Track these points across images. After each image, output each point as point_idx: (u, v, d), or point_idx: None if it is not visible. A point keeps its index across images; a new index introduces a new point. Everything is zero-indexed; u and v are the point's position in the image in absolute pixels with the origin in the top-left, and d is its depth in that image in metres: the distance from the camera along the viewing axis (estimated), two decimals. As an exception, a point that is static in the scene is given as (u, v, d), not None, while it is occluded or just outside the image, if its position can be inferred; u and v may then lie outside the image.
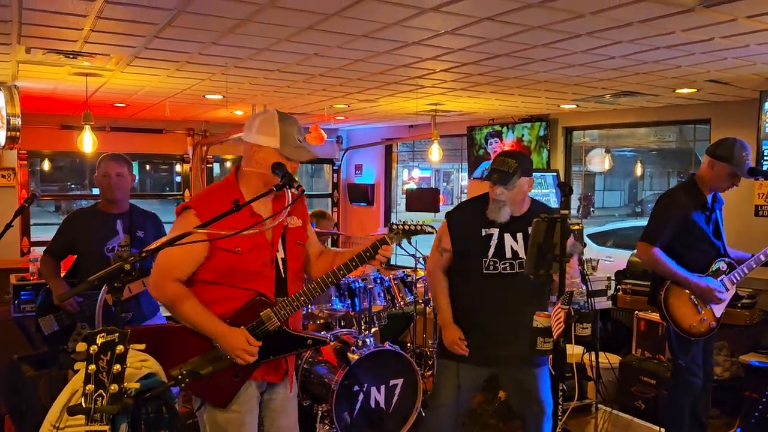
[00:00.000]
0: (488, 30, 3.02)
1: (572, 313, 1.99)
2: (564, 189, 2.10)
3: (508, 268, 2.83)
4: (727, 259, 3.43)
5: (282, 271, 2.32)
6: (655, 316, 4.76)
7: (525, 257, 2.78)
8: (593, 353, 4.40)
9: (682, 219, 3.36)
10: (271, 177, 2.23)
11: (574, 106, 5.75)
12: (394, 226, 2.29)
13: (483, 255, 2.82)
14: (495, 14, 2.75)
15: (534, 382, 2.91)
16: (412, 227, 2.30)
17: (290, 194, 2.13)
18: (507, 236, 2.85)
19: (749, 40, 3.10)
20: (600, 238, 9.54)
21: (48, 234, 3.79)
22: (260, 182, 2.28)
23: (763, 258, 3.38)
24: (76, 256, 3.62)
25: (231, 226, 1.98)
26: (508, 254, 2.84)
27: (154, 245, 1.75)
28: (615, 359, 4.89)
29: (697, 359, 3.43)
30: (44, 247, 3.73)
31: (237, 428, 2.23)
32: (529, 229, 2.72)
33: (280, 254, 2.33)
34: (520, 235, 2.86)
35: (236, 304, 2.21)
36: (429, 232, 2.35)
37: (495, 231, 2.85)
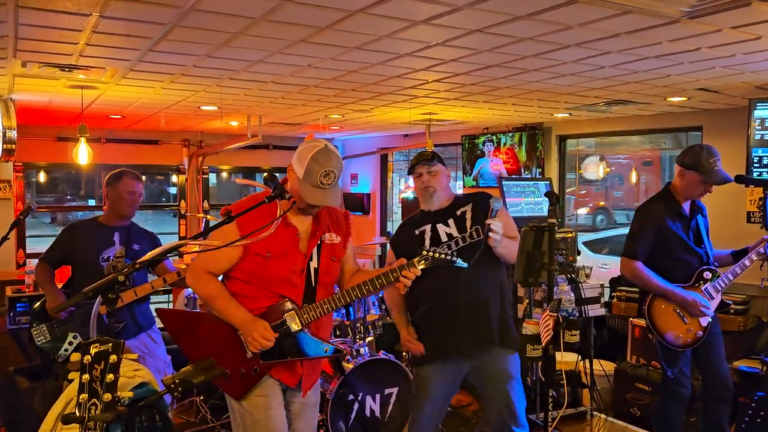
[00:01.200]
0: (479, 41, 3.06)
1: (560, 321, 2.01)
2: (551, 198, 2.13)
3: (446, 249, 2.90)
4: (711, 267, 3.44)
5: (313, 280, 2.42)
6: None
7: (459, 235, 2.91)
8: (587, 360, 4.42)
9: (658, 230, 3.37)
10: (302, 202, 2.34)
11: (567, 114, 5.80)
12: (425, 253, 2.37)
13: (421, 248, 2.85)
14: (484, 26, 2.79)
15: (505, 382, 2.89)
16: (442, 256, 2.36)
17: (281, 206, 2.17)
18: (439, 226, 2.97)
19: (735, 49, 3.15)
20: (596, 245, 9.58)
21: (44, 246, 3.81)
22: (295, 197, 2.33)
23: (748, 263, 3.39)
24: (72, 268, 3.64)
25: (270, 236, 2.13)
26: (444, 238, 2.94)
27: (147, 257, 1.77)
28: (611, 366, 4.90)
29: (685, 370, 3.43)
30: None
31: (263, 411, 2.33)
32: (458, 213, 2.94)
33: (314, 263, 2.42)
34: (450, 221, 2.97)
35: (264, 303, 2.33)
36: (459, 265, 2.41)
37: (426, 227, 2.98)
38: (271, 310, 2.32)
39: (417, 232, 2.99)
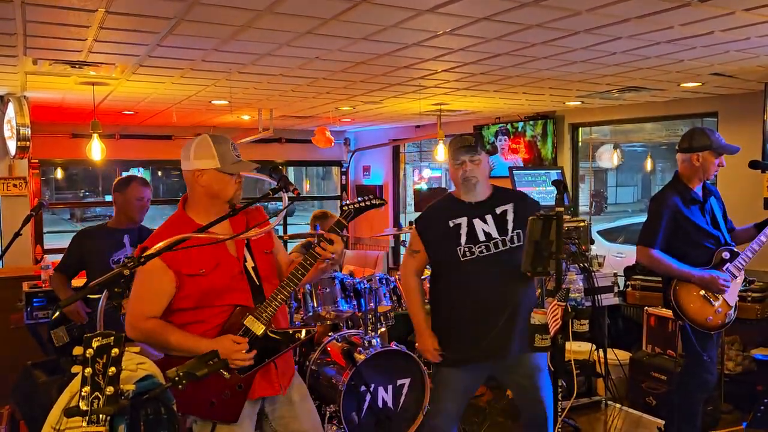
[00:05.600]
0: (486, 30, 3.03)
1: (569, 310, 1.99)
2: (558, 186, 2.11)
3: (484, 251, 2.79)
4: (729, 248, 3.41)
5: (256, 278, 2.35)
6: (665, 312, 4.73)
7: (499, 236, 2.78)
8: (602, 350, 4.39)
9: (674, 216, 3.37)
10: (222, 200, 2.29)
11: (580, 102, 5.74)
12: (345, 207, 2.35)
13: (456, 244, 2.80)
14: (491, 14, 2.76)
15: (533, 376, 2.83)
16: (363, 204, 2.36)
17: (285, 198, 2.16)
18: (476, 221, 2.82)
19: (749, 32, 3.09)
20: (611, 235, 9.51)
21: (62, 241, 3.88)
22: (210, 207, 2.31)
23: (764, 239, 3.36)
24: (86, 274, 3.70)
25: (196, 253, 2.09)
26: (482, 237, 2.79)
27: (152, 249, 1.78)
28: (626, 356, 4.87)
29: (714, 356, 3.42)
30: (58, 255, 3.82)
31: None
32: (497, 210, 2.80)
33: (250, 263, 2.35)
34: (489, 217, 2.83)
35: (217, 321, 2.25)
36: (379, 205, 2.39)
37: (463, 220, 2.82)
38: (228, 325, 2.25)
39: (452, 224, 2.82)
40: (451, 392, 2.91)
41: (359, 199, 2.39)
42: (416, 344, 2.94)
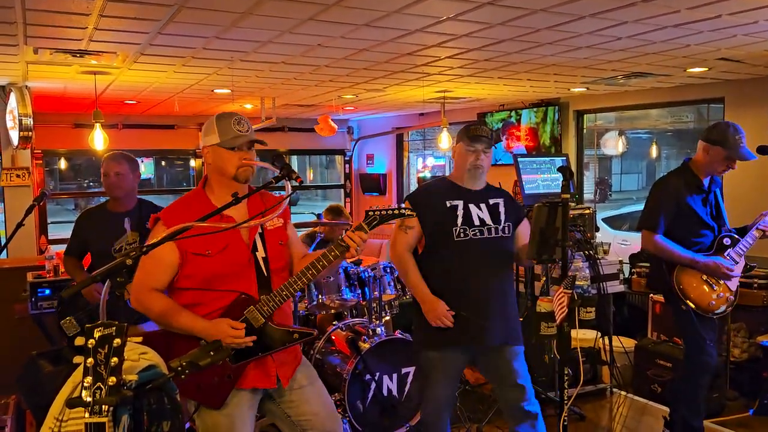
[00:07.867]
0: (490, 15, 3.00)
1: (575, 298, 1.97)
2: (564, 173, 2.09)
3: (478, 234, 2.85)
4: (730, 234, 3.41)
5: (264, 269, 2.32)
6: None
7: (492, 224, 2.86)
8: (607, 337, 4.37)
9: (677, 204, 3.36)
10: (227, 178, 2.26)
11: (585, 89, 5.69)
12: (370, 213, 2.28)
13: (453, 224, 2.86)
14: (495, -2, 2.73)
15: (510, 363, 2.84)
16: (389, 213, 2.28)
17: (288, 186, 2.13)
18: (471, 206, 2.89)
19: (757, 16, 3.05)
20: (615, 222, 9.46)
21: (66, 232, 3.86)
22: (221, 186, 2.29)
23: (763, 227, 3.37)
24: (91, 257, 3.69)
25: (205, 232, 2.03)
26: (476, 222, 2.87)
27: (152, 240, 1.76)
28: (631, 343, 4.85)
29: (712, 338, 3.42)
30: (63, 245, 3.81)
31: (226, 431, 2.24)
32: (490, 201, 2.89)
33: (261, 253, 2.33)
34: (483, 205, 2.91)
35: (218, 305, 2.22)
36: (408, 215, 2.33)
37: (459, 203, 2.88)
38: (229, 310, 2.21)
39: (449, 204, 2.89)
40: (441, 376, 2.90)
41: (387, 208, 2.31)
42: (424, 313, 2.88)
